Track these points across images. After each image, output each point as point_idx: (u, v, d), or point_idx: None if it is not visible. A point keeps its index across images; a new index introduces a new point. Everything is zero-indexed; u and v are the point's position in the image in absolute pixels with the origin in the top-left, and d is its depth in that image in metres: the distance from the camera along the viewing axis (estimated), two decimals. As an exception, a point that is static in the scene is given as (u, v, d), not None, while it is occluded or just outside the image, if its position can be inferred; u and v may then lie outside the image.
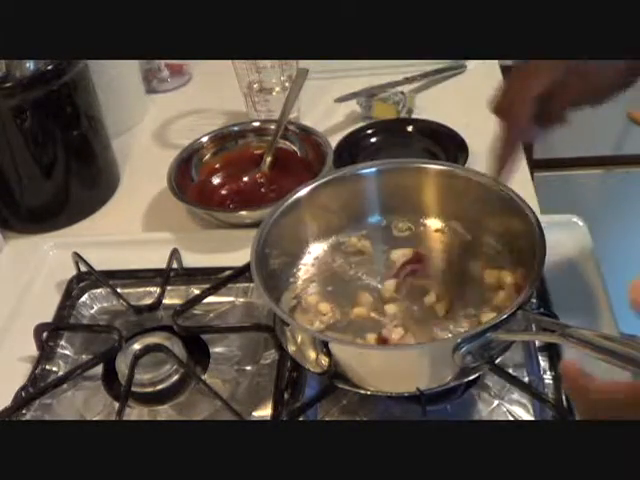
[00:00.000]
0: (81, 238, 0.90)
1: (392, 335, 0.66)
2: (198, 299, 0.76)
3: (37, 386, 0.71)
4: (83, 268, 0.82)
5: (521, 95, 0.63)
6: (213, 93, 1.14)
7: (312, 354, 0.63)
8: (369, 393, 0.63)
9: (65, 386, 0.72)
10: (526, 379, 0.68)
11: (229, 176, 0.97)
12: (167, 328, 0.74)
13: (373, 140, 0.99)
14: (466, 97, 1.06)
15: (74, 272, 0.82)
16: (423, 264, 0.72)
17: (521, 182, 0.87)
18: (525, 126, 0.64)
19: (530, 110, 0.63)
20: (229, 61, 1.01)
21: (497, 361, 0.63)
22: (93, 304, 0.81)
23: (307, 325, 0.67)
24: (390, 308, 0.69)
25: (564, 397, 0.65)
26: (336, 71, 1.10)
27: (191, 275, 0.81)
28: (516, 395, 0.66)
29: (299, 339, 0.64)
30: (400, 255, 0.73)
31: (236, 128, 0.99)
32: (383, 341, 0.66)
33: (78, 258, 0.82)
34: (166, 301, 0.78)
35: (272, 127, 0.97)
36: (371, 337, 0.66)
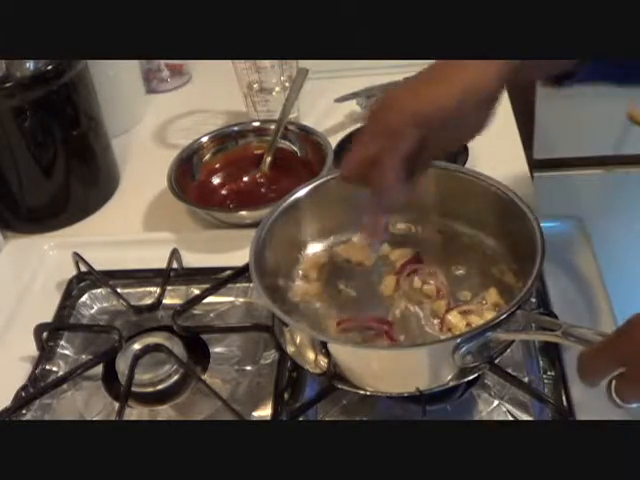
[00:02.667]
0: (81, 238, 0.90)
1: (393, 334, 0.66)
2: (198, 299, 0.76)
3: (37, 386, 0.71)
4: (83, 268, 0.82)
5: (387, 160, 0.60)
6: (213, 93, 1.14)
7: (311, 355, 0.63)
8: (369, 393, 0.63)
9: (65, 386, 0.72)
10: (526, 379, 0.68)
11: (229, 176, 0.97)
12: (167, 328, 0.74)
13: (373, 140, 0.99)
14: (466, 97, 1.06)
15: (74, 272, 0.82)
16: (423, 264, 0.72)
17: (521, 182, 0.87)
18: (395, 189, 0.61)
19: (398, 173, 0.60)
20: (229, 61, 1.01)
21: (497, 361, 0.63)
22: (93, 304, 0.81)
23: (306, 326, 0.68)
24: (390, 307, 0.69)
25: (564, 397, 0.65)
26: (336, 71, 1.10)
27: (191, 275, 0.81)
28: (516, 395, 0.66)
29: (298, 340, 0.64)
30: (400, 255, 0.73)
31: (236, 128, 0.99)
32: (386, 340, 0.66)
33: (78, 258, 0.82)
34: (166, 301, 0.78)
35: (272, 127, 0.97)
36: (372, 335, 0.66)
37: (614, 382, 0.50)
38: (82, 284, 0.82)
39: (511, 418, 0.65)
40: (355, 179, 0.63)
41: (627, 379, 0.50)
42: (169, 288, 0.80)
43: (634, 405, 0.51)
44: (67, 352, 0.76)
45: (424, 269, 0.72)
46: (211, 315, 0.78)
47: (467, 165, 0.87)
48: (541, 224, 0.65)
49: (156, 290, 0.80)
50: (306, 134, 0.97)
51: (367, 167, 0.61)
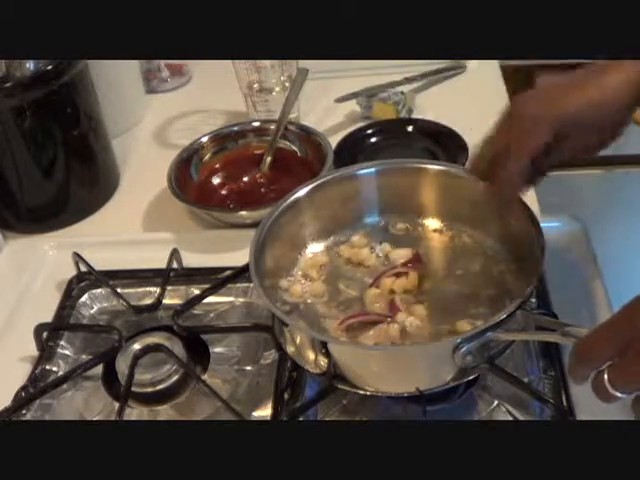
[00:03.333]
0: (81, 238, 0.90)
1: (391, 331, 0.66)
2: (198, 299, 0.76)
3: (37, 386, 0.71)
4: (83, 268, 0.82)
5: (518, 151, 0.60)
6: (213, 93, 1.14)
7: (311, 355, 0.63)
8: (369, 393, 0.63)
9: (65, 386, 0.72)
10: (526, 379, 0.68)
11: (229, 176, 0.97)
12: (167, 328, 0.74)
13: (373, 140, 0.99)
14: (466, 97, 1.06)
15: (74, 272, 0.82)
16: (422, 264, 0.72)
17: (521, 182, 0.87)
18: (519, 181, 0.62)
19: (525, 165, 0.61)
20: (229, 61, 1.01)
21: (497, 361, 0.63)
22: (93, 304, 0.81)
23: (306, 326, 0.68)
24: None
25: (564, 397, 0.65)
26: (336, 71, 1.10)
27: (191, 275, 0.81)
28: (516, 395, 0.66)
29: (298, 340, 0.64)
30: (399, 255, 0.73)
31: (236, 128, 0.99)
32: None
33: (78, 258, 0.82)
34: (166, 301, 0.78)
35: (272, 127, 0.97)
36: (371, 335, 0.66)
37: (607, 373, 0.50)
38: (82, 284, 0.82)
39: (511, 418, 0.65)
40: (479, 171, 0.64)
41: (619, 366, 0.49)
42: (169, 288, 0.80)
43: (627, 395, 0.50)
44: (67, 352, 0.76)
45: (423, 269, 0.72)
46: (211, 315, 0.78)
47: (467, 165, 0.87)
48: (541, 224, 0.65)
49: (156, 290, 0.79)
50: (306, 134, 0.97)
51: (493, 161, 0.62)
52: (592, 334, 0.51)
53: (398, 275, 0.70)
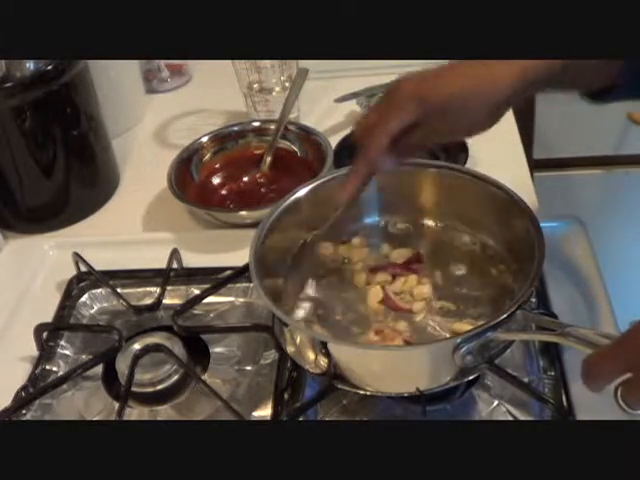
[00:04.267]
0: (81, 238, 0.90)
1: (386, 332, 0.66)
2: (198, 299, 0.76)
3: (37, 386, 0.71)
4: (83, 268, 0.82)
5: (379, 128, 0.63)
6: (213, 93, 1.14)
7: (311, 355, 0.63)
8: (369, 393, 0.63)
9: (65, 386, 0.72)
10: (526, 379, 0.68)
11: (229, 176, 0.97)
12: (167, 328, 0.74)
13: (373, 140, 0.99)
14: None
15: (74, 272, 0.82)
16: (422, 264, 0.72)
17: (521, 182, 0.87)
18: (377, 156, 0.65)
19: (384, 143, 0.63)
20: (229, 61, 1.01)
21: (497, 361, 0.63)
22: (93, 304, 0.81)
23: (306, 326, 0.68)
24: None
25: (564, 397, 0.65)
26: (336, 71, 1.10)
27: (191, 275, 0.81)
28: (516, 395, 0.66)
29: (298, 340, 0.64)
30: (399, 255, 0.73)
31: (236, 128, 0.99)
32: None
33: (78, 258, 0.82)
34: (166, 301, 0.78)
35: (272, 127, 0.97)
36: (371, 334, 0.66)
37: (620, 388, 0.50)
38: (82, 284, 0.82)
39: (511, 418, 0.65)
40: (358, 141, 0.67)
41: (633, 385, 0.49)
42: (169, 288, 0.80)
43: None
44: (67, 352, 0.76)
45: (423, 269, 0.72)
46: (211, 315, 0.78)
47: (467, 165, 0.87)
48: (541, 224, 0.66)
49: (156, 290, 0.80)
50: (306, 134, 0.97)
51: (366, 130, 0.65)
52: (598, 355, 0.52)
53: (394, 276, 0.71)
